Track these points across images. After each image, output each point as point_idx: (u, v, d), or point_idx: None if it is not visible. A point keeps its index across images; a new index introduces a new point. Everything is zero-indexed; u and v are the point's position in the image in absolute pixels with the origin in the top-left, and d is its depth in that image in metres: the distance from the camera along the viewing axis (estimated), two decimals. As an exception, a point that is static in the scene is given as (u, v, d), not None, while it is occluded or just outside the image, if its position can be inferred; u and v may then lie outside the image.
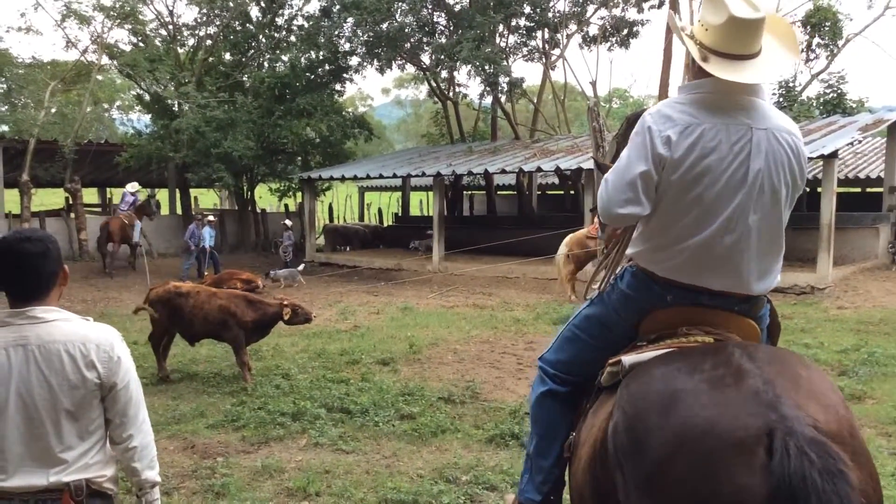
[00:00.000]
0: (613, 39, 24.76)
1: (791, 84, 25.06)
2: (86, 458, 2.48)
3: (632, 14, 24.69)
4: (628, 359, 2.49)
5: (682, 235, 2.51)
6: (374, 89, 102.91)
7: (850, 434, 2.06)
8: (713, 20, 2.49)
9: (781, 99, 24.67)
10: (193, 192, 26.99)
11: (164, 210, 27.63)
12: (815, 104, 25.16)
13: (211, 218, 19.49)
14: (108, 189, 30.67)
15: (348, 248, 23.93)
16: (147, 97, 24.71)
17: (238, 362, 8.21)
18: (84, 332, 2.48)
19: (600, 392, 2.64)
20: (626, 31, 24.47)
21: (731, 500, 1.92)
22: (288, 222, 21.20)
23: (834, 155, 14.56)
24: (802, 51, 24.78)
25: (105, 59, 23.85)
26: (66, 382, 2.41)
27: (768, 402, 2.01)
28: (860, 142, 20.24)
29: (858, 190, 26.99)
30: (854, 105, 24.90)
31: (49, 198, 27.65)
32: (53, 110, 22.58)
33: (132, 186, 20.81)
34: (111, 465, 2.58)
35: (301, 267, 18.48)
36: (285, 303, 8.24)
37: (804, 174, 2.61)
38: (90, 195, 28.95)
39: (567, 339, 3.00)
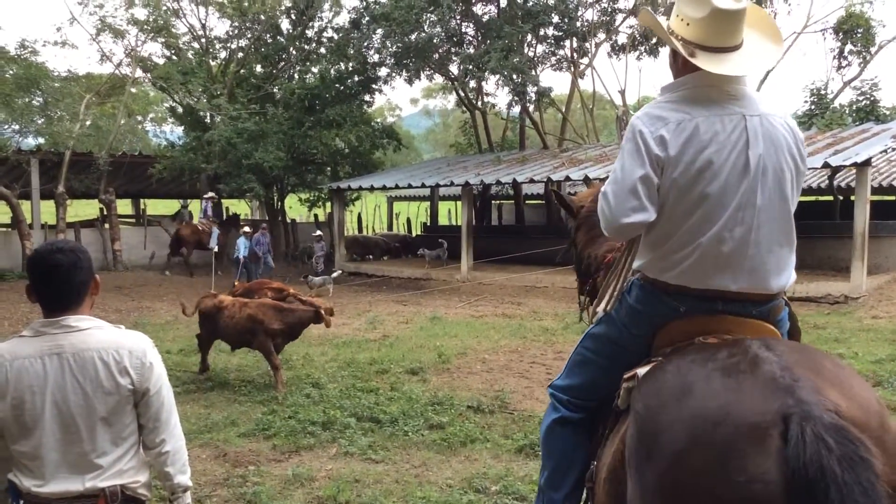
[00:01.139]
0: (642, 48, 24.66)
1: (823, 91, 24.82)
2: (120, 463, 2.53)
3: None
4: (643, 370, 2.37)
5: (691, 236, 2.40)
6: (402, 99, 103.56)
7: (881, 426, 1.91)
8: (694, 13, 2.42)
9: (813, 106, 24.46)
10: (225, 202, 27.30)
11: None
12: (847, 111, 24.90)
13: (247, 229, 19.68)
14: (141, 200, 31.12)
15: (372, 258, 24.06)
16: (180, 109, 25.11)
17: (271, 368, 8.44)
18: (117, 340, 2.54)
19: (619, 416, 2.50)
20: (655, 40, 24.33)
21: (747, 490, 1.80)
22: (319, 233, 21.33)
23: (867, 163, 14.37)
24: (834, 57, 24.55)
25: (139, 72, 24.27)
26: (101, 389, 2.47)
27: (785, 387, 1.90)
28: (894, 149, 19.92)
29: (893, 198, 26.60)
30: (888, 112, 24.62)
31: (84, 209, 28.15)
32: (88, 123, 22.99)
33: (208, 195, 22.49)
34: (144, 470, 2.64)
35: (335, 274, 18.58)
36: (322, 309, 8.52)
37: (805, 157, 2.52)
38: (124, 206, 29.42)
39: (577, 362, 2.84)
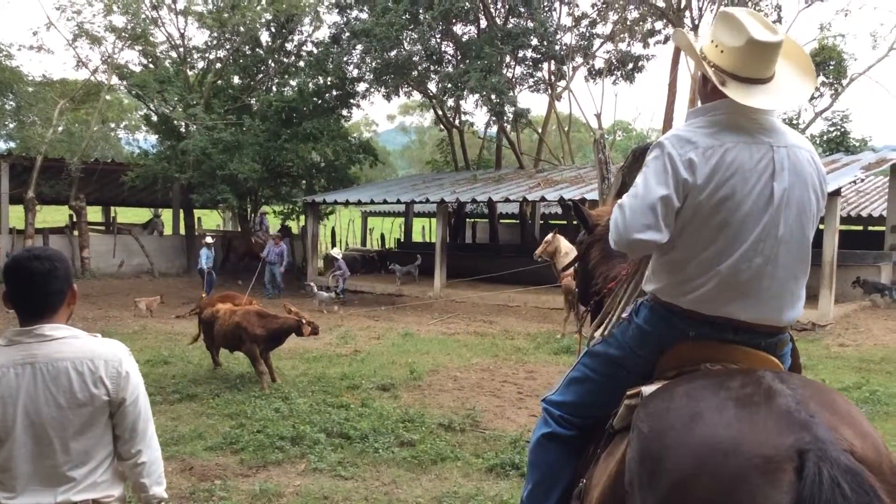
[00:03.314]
0: (618, 73, 24.94)
1: (795, 121, 25.26)
2: (94, 476, 2.47)
3: (637, 49, 24.97)
4: (649, 389, 2.33)
5: (710, 263, 2.37)
6: (379, 115, 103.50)
7: (891, 470, 1.90)
8: (729, 42, 2.38)
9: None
10: (197, 212, 27.07)
11: (168, 230, 27.74)
12: (818, 142, 25.35)
13: (209, 240, 19.60)
14: (112, 208, 30.75)
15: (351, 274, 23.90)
16: (155, 118, 24.89)
17: (256, 372, 8.95)
18: (92, 349, 2.48)
19: (613, 436, 2.47)
20: (631, 66, 24.66)
21: None
22: (336, 252, 20.44)
23: (837, 193, 14.63)
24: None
25: (115, 80, 24.06)
26: (74, 400, 2.41)
27: (801, 422, 1.87)
28: (863, 180, 20.32)
29: (860, 228, 27.05)
30: (857, 143, 25.13)
31: (53, 215, 27.74)
32: (61, 128, 22.72)
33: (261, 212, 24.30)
34: (119, 484, 2.58)
35: (332, 294, 18.25)
36: (304, 321, 9.01)
37: (826, 194, 2.51)
38: (95, 213, 29.05)
39: (575, 379, 2.78)
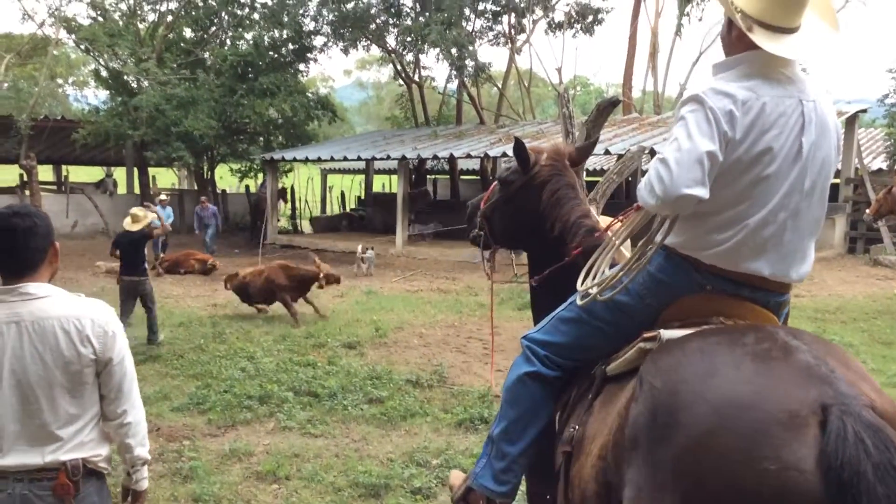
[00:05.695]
0: (578, 26, 24.81)
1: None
2: (81, 435, 2.45)
3: (596, 1, 24.84)
4: (668, 333, 2.26)
5: (738, 218, 2.30)
6: (335, 71, 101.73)
7: None
8: None
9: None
10: (152, 171, 26.52)
11: (122, 189, 27.14)
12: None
13: (163, 197, 19.22)
14: (63, 166, 29.93)
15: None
16: (105, 73, 24.16)
17: (290, 313, 10.38)
18: (78, 308, 2.45)
19: (605, 383, 2.41)
20: (590, 18, 24.54)
21: (778, 478, 1.72)
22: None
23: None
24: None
25: (63, 33, 23.28)
26: (61, 359, 2.39)
27: (822, 377, 1.84)
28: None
29: (836, 181, 27.57)
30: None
31: (3, 174, 26.99)
32: (7, 85, 21.99)
33: None
34: (105, 444, 2.56)
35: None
36: (322, 273, 10.68)
37: (841, 150, 2.46)
38: (46, 172, 28.28)
39: (568, 320, 2.68)
